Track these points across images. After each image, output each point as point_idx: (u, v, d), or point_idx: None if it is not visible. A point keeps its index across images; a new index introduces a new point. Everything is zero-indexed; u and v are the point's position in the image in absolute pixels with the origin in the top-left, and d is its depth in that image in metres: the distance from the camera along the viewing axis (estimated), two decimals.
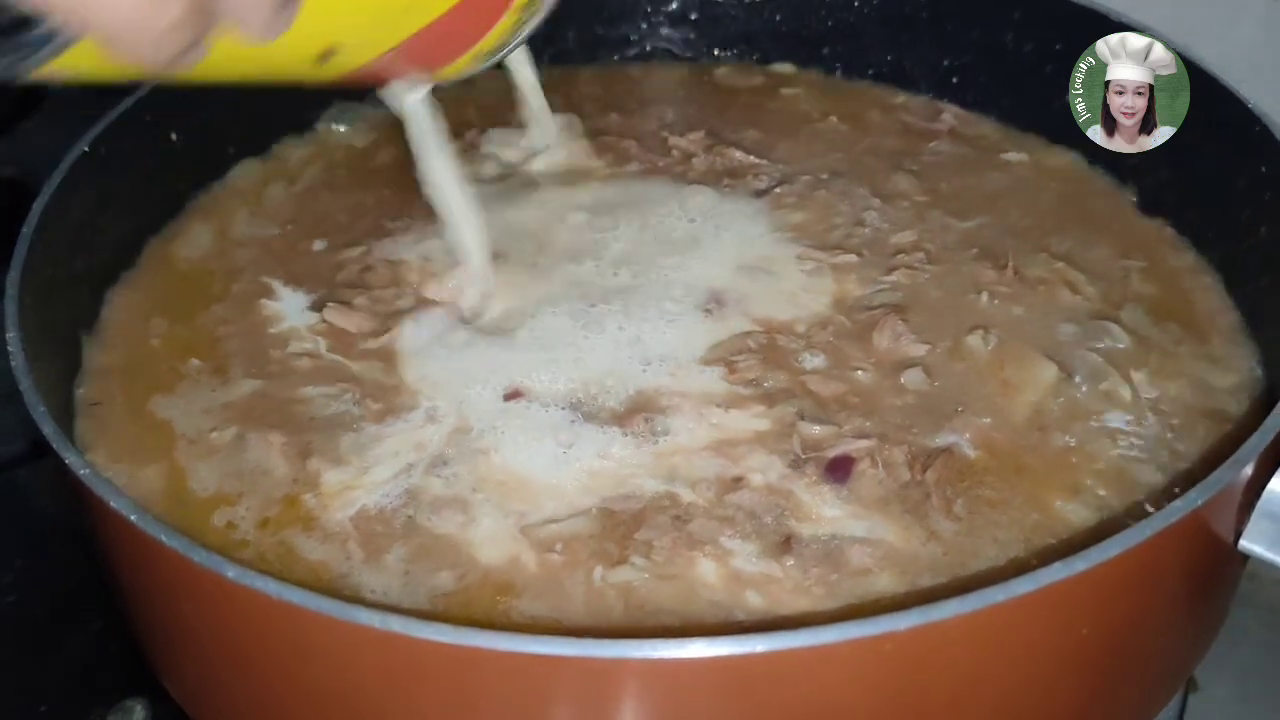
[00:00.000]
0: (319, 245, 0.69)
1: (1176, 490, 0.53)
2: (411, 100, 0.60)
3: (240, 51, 0.44)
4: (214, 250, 0.70)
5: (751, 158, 0.75)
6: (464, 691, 0.42)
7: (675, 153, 0.76)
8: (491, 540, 0.52)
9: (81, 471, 0.46)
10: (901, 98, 0.81)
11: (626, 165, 0.75)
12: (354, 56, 0.51)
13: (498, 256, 0.66)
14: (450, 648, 0.39)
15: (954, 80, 0.79)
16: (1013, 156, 0.75)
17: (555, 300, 0.63)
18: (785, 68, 0.84)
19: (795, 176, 0.73)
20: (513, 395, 0.58)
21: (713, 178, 0.73)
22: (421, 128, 0.61)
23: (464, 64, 0.57)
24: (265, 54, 0.45)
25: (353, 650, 0.42)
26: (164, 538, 0.43)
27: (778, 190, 0.72)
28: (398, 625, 0.40)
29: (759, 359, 0.60)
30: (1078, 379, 0.59)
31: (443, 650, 0.40)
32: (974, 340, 0.60)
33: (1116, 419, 0.57)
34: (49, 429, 0.48)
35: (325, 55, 0.49)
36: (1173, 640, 0.52)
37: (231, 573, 0.41)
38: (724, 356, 0.60)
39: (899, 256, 0.66)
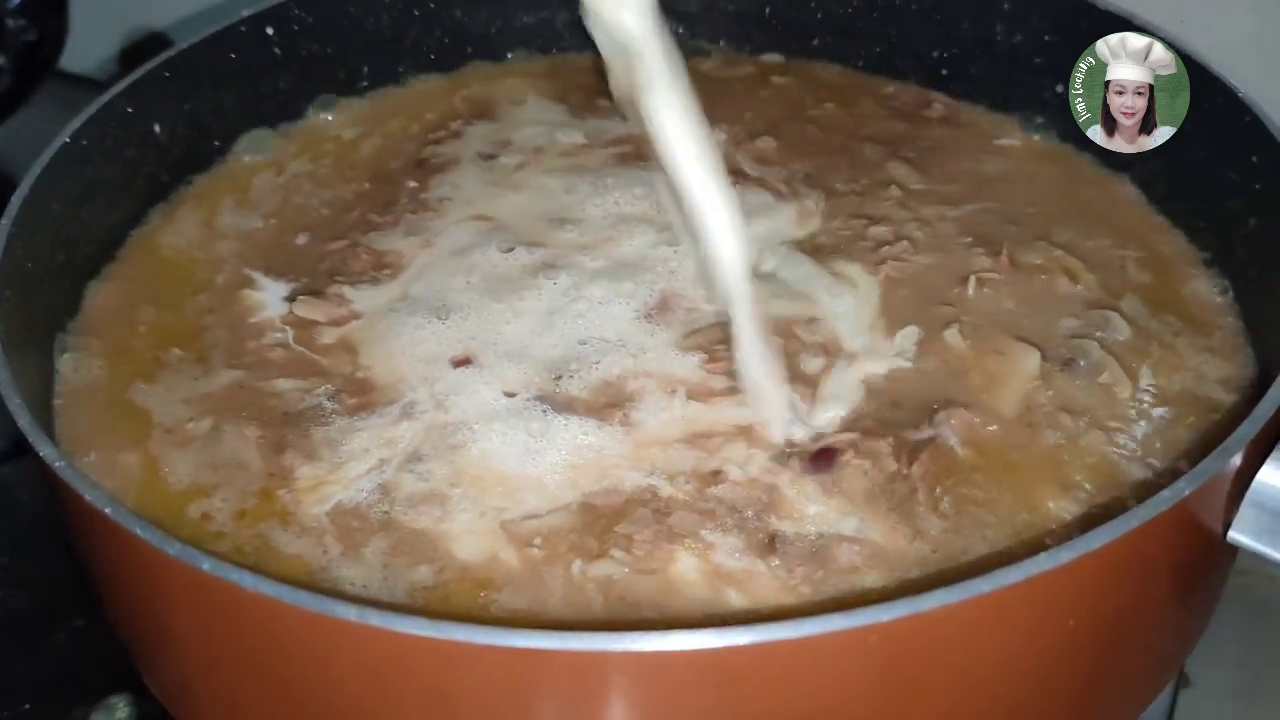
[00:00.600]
0: (303, 238, 0.69)
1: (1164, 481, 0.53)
2: (638, 21, 0.47)
3: None
4: (199, 239, 0.69)
5: (746, 146, 0.75)
6: (444, 685, 0.42)
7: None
8: (470, 535, 0.52)
9: (56, 464, 0.46)
10: (892, 87, 0.80)
11: (615, 151, 0.75)
12: None
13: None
14: (429, 641, 0.39)
15: (943, 72, 0.79)
16: (1005, 142, 0.74)
17: (535, 284, 0.63)
18: (774, 58, 0.83)
19: (790, 164, 0.72)
20: (461, 362, 0.58)
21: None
22: (655, 66, 0.47)
23: None
24: None
25: (331, 644, 0.42)
26: (138, 530, 0.42)
27: (773, 178, 0.71)
28: (376, 619, 0.39)
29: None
30: (1076, 370, 0.58)
31: (422, 644, 0.39)
32: (951, 334, 0.60)
33: (1111, 412, 0.57)
34: (24, 421, 0.48)
35: None
36: (1162, 632, 0.51)
37: (206, 565, 0.41)
38: (703, 345, 0.59)
39: (886, 248, 0.65)
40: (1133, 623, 0.48)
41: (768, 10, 0.83)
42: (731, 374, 0.57)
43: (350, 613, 0.39)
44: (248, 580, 0.40)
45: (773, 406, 0.52)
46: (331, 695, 0.44)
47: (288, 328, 0.62)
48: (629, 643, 0.39)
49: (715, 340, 0.59)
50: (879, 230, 0.67)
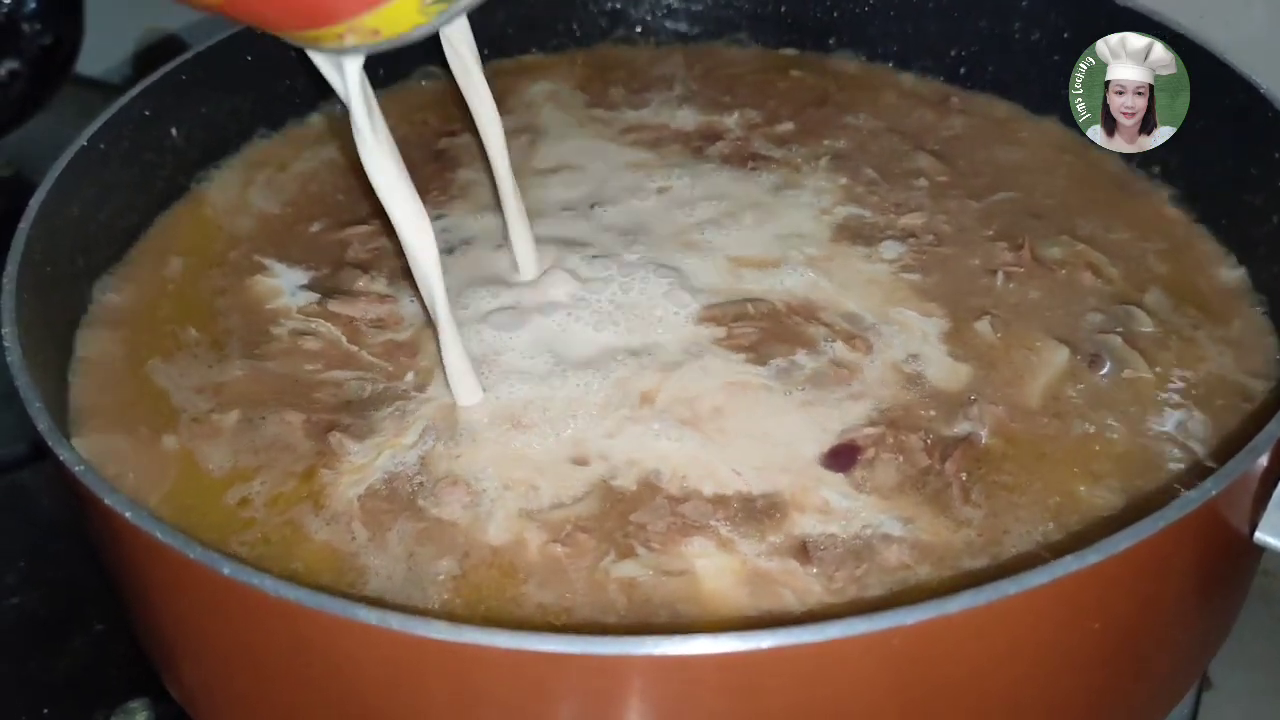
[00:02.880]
0: (317, 226, 0.69)
1: (1189, 480, 0.53)
2: (351, 72, 0.49)
3: None
4: (232, 205, 0.71)
5: (762, 130, 0.75)
6: (465, 689, 0.42)
7: (685, 130, 0.76)
8: (497, 523, 0.52)
9: (77, 469, 0.46)
10: (910, 80, 0.80)
11: (633, 138, 0.75)
12: None
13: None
14: (449, 645, 0.39)
15: (961, 71, 0.79)
16: (1026, 136, 0.74)
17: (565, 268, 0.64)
18: (791, 53, 0.83)
19: (816, 156, 0.73)
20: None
21: (734, 159, 0.73)
22: (363, 114, 0.50)
23: (406, 10, 0.44)
24: None
25: (352, 648, 0.42)
26: (159, 534, 0.42)
27: (793, 159, 0.72)
28: (396, 623, 0.39)
29: (759, 328, 0.59)
30: (1102, 366, 0.58)
31: (442, 648, 0.39)
32: (982, 325, 0.60)
33: (1137, 406, 0.56)
34: (44, 425, 0.48)
35: None
36: (1186, 634, 0.51)
37: (227, 569, 0.41)
38: (718, 318, 0.60)
39: (912, 240, 0.66)
40: (1158, 624, 0.47)
41: (783, 9, 0.83)
42: (751, 350, 0.58)
43: (370, 616, 0.39)
44: (269, 584, 0.40)
45: (460, 380, 0.56)
46: (353, 699, 0.43)
47: (317, 319, 0.62)
48: (650, 647, 0.38)
49: (733, 316, 0.60)
50: (909, 221, 0.67)
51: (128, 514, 0.43)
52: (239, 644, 0.46)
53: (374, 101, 0.51)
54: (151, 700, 0.63)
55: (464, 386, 0.56)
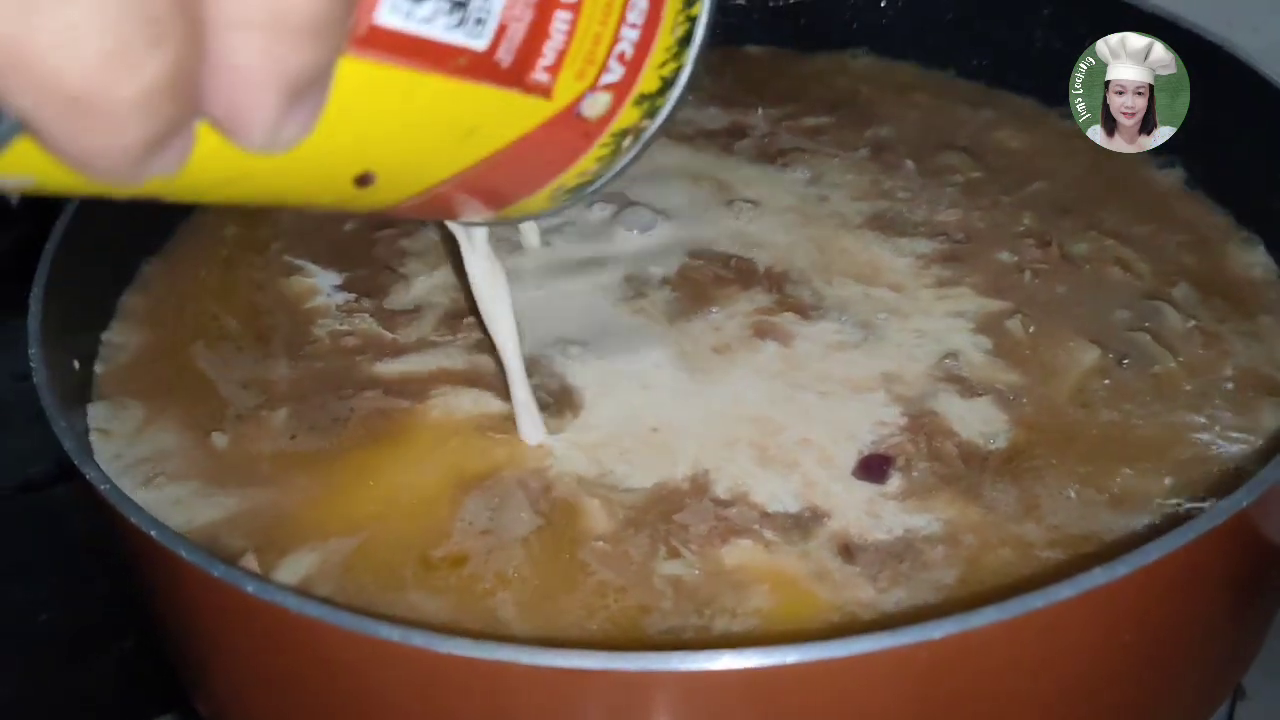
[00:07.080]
0: (350, 225, 0.70)
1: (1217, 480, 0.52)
2: (479, 240, 0.51)
3: (241, 162, 0.31)
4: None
5: (789, 124, 0.76)
6: (490, 704, 0.41)
7: (711, 129, 0.76)
8: (566, 486, 0.53)
9: (103, 487, 0.46)
10: (937, 80, 0.80)
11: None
12: (398, 185, 0.39)
13: None
14: (472, 661, 0.39)
15: (983, 81, 0.79)
16: (1055, 134, 0.74)
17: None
18: (815, 56, 0.84)
19: (848, 151, 0.73)
20: None
21: (763, 155, 0.73)
22: (485, 270, 0.52)
23: (537, 202, 0.45)
24: (277, 168, 0.32)
25: (376, 664, 0.41)
26: (183, 552, 0.42)
27: (826, 149, 0.73)
28: (419, 640, 0.39)
29: (715, 274, 0.61)
30: (1132, 363, 0.58)
31: (465, 664, 0.39)
32: (1013, 324, 0.60)
33: (1168, 402, 0.56)
34: (69, 444, 0.48)
35: (361, 180, 0.37)
36: (1219, 646, 0.50)
37: (250, 586, 0.41)
38: (698, 255, 0.62)
39: (942, 237, 0.66)
40: (1189, 637, 0.47)
41: (803, 22, 0.83)
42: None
43: (393, 633, 0.39)
44: (291, 601, 0.40)
45: (528, 421, 0.55)
46: (380, 715, 0.43)
47: (362, 315, 0.63)
48: (675, 663, 0.38)
49: (713, 258, 0.63)
50: (941, 217, 0.67)
51: (153, 532, 0.43)
52: (264, 661, 0.46)
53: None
54: (180, 716, 0.63)
55: (529, 426, 0.55)
